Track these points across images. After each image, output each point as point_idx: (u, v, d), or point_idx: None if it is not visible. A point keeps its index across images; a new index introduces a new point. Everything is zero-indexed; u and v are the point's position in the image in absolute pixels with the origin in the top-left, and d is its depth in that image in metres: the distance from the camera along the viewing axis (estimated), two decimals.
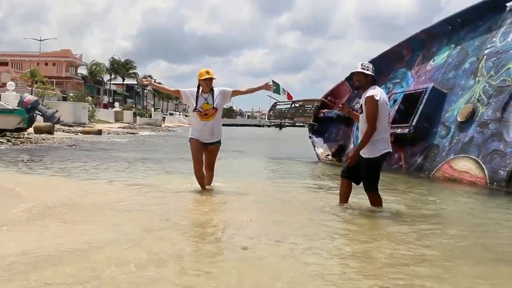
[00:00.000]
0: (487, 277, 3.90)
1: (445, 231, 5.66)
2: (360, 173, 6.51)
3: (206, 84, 7.48)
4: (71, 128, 39.36)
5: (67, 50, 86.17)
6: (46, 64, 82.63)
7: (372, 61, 16.00)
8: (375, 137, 6.22)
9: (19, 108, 22.38)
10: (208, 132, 7.57)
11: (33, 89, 56.25)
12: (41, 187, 8.03)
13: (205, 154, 7.70)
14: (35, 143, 20.85)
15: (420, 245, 4.84)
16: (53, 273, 3.57)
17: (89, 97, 66.17)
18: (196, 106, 7.51)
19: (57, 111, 22.37)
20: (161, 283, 3.47)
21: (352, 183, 6.72)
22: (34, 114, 23.12)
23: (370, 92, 6.22)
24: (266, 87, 7.98)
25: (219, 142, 7.80)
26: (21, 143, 20.30)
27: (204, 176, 7.76)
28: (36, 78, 58.99)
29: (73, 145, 20.60)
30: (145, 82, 8.91)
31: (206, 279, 3.60)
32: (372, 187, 6.51)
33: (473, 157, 10.28)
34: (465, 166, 10.41)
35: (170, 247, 4.38)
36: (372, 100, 6.17)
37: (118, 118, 68.91)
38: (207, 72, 7.50)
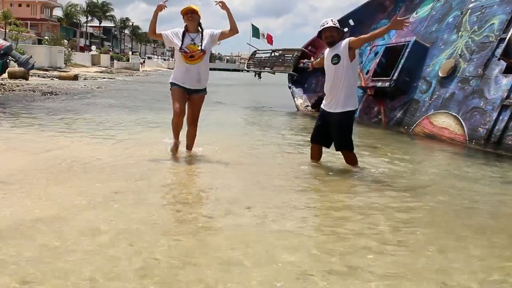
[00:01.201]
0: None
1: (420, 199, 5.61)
2: (331, 133, 6.55)
3: (188, 19, 6.65)
4: (46, 73, 38.60)
5: None
6: (20, 5, 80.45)
7: (354, 12, 15.91)
8: (352, 91, 6.41)
9: None
10: (193, 76, 6.73)
11: (6, 31, 54.73)
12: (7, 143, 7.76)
13: (188, 104, 6.88)
14: (9, 90, 20.34)
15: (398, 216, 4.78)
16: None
17: (65, 40, 64.57)
18: (181, 45, 6.66)
19: (31, 57, 21.48)
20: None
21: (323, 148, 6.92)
22: (8, 60, 22.31)
23: (346, 39, 6.41)
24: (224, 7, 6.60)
25: (204, 91, 6.97)
26: None
27: (181, 126, 6.85)
28: (10, 20, 57.25)
29: (49, 93, 20.10)
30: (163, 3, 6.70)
31: (171, 251, 3.51)
32: (347, 145, 6.52)
33: (453, 113, 10.21)
34: (444, 122, 10.36)
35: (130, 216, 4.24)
36: (347, 41, 6.36)
37: (95, 62, 67.67)
38: (188, 7, 6.67)
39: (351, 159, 6.64)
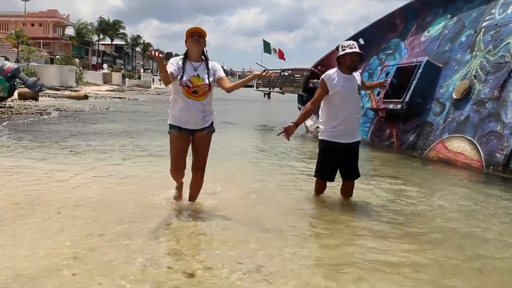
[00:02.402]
0: None
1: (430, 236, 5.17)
2: (344, 165, 6.28)
3: (193, 42, 5.39)
4: (57, 92, 38.61)
5: (54, 10, 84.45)
6: (33, 25, 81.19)
7: (363, 31, 15.52)
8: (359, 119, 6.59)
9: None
10: (196, 115, 5.46)
11: (18, 51, 55.10)
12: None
13: (192, 147, 5.62)
14: (16, 113, 20.16)
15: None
16: None
17: (77, 59, 64.83)
18: (182, 77, 5.37)
19: (38, 79, 21.53)
20: None
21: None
22: (15, 83, 22.24)
23: (357, 73, 6.33)
24: (255, 76, 5.56)
25: (211, 127, 5.64)
26: (1, 113, 19.63)
27: (183, 175, 5.74)
28: (22, 40, 57.69)
29: (56, 114, 19.89)
30: (154, 53, 5.07)
31: None
32: (359, 172, 6.40)
33: (468, 137, 9.77)
34: (460, 146, 9.91)
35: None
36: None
37: (106, 80, 67.89)
38: (195, 29, 5.47)
39: (352, 188, 6.47)
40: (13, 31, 63.53)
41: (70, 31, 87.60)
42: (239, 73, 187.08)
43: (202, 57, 5.55)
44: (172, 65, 5.41)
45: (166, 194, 6.17)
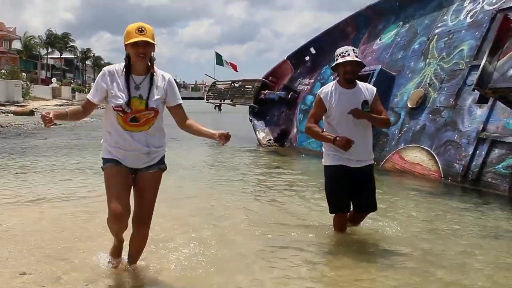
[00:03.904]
0: None
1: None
2: (359, 193, 5.17)
3: (137, 54, 3.72)
4: (2, 108, 37.11)
5: (0, 23, 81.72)
6: None
7: (315, 39, 15.14)
8: (371, 138, 5.30)
9: None
10: (138, 151, 3.86)
11: None
12: None
13: (134, 190, 3.99)
14: None
15: None
16: None
17: (24, 74, 62.80)
18: (122, 99, 3.78)
19: None
20: None
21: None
22: None
23: (371, 86, 5.34)
24: (215, 137, 3.94)
25: (161, 164, 4.00)
26: None
27: (127, 225, 3.92)
28: None
29: None
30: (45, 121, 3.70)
31: None
32: (376, 202, 5.32)
33: (425, 147, 9.44)
34: (416, 157, 9.56)
35: None
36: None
37: (56, 94, 66.08)
38: (140, 30, 3.70)
39: (362, 219, 5.54)
40: None
41: (17, 44, 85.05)
42: (191, 85, 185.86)
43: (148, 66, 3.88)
44: (98, 87, 3.84)
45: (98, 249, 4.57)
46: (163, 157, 4.00)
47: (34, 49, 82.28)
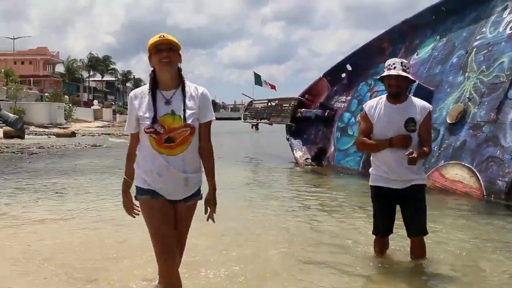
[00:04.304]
0: None
1: None
2: (404, 215, 4.80)
3: (161, 60, 3.39)
4: (45, 130, 38.05)
5: (44, 47, 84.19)
6: (23, 63, 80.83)
7: (351, 56, 14.99)
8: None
9: None
10: (175, 178, 3.47)
11: (7, 89, 54.72)
12: None
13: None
14: None
15: None
16: None
17: (66, 96, 64.39)
18: (149, 118, 3.41)
19: (19, 117, 21.04)
20: None
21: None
22: None
23: (425, 103, 4.75)
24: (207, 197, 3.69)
25: (198, 194, 3.64)
26: None
27: (180, 261, 3.67)
28: (11, 78, 57.33)
29: (32, 153, 19.21)
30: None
31: None
32: (425, 225, 4.77)
33: (466, 164, 9.12)
34: (457, 174, 9.26)
35: None
36: (431, 115, 4.76)
37: (97, 116, 67.54)
38: (162, 37, 3.43)
39: (420, 247, 4.84)
40: (2, 70, 63.15)
41: (60, 68, 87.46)
42: (230, 106, 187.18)
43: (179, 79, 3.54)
44: (130, 115, 3.54)
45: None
46: (200, 187, 3.63)
47: (76, 72, 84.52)
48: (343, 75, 15.13)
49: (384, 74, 4.67)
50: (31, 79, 76.37)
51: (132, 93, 3.57)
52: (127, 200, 3.65)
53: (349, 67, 14.89)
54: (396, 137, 4.52)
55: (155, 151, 3.42)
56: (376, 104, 4.77)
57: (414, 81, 4.71)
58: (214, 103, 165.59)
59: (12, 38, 72.04)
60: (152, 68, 3.48)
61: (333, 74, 15.56)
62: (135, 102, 3.49)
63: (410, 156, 4.33)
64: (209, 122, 3.57)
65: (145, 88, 3.54)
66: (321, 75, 16.01)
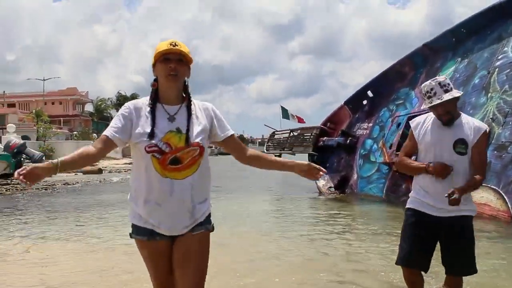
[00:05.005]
0: None
1: None
2: (445, 249, 3.98)
3: (167, 72, 2.88)
4: None
5: (73, 88, 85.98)
6: (53, 103, 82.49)
7: (372, 82, 14.81)
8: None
9: (5, 153, 21.23)
10: (179, 209, 2.88)
11: (37, 129, 55.89)
12: None
13: (174, 259, 2.95)
14: (22, 189, 19.62)
15: None
16: None
17: (94, 134, 65.29)
18: (150, 135, 2.85)
19: (44, 154, 21.38)
20: None
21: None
22: (22, 158, 21.93)
23: (480, 123, 4.03)
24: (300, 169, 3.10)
25: (208, 223, 3.00)
26: (6, 190, 19.12)
27: None
28: (41, 118, 58.56)
29: (61, 189, 19.31)
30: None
31: None
32: (474, 263, 4.00)
33: (492, 186, 8.82)
34: (483, 197, 8.93)
35: None
36: (487, 136, 4.02)
37: (125, 153, 67.80)
38: (173, 45, 2.90)
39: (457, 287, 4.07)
40: (33, 110, 64.56)
41: (89, 107, 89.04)
42: (258, 140, 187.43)
43: (183, 94, 3.03)
44: (122, 121, 2.91)
45: None
46: (209, 215, 3.02)
47: (105, 111, 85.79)
48: (365, 102, 14.96)
49: (427, 106, 3.94)
50: (61, 118, 77.85)
51: (132, 104, 2.98)
52: (33, 168, 2.63)
53: (370, 94, 14.73)
54: (433, 165, 3.84)
55: (157, 174, 2.82)
56: (424, 120, 4.06)
57: (458, 97, 3.81)
58: (242, 138, 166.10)
59: (42, 80, 73.42)
60: (155, 77, 2.97)
61: (354, 102, 15.40)
62: (133, 112, 2.91)
63: (450, 198, 3.64)
64: (233, 135, 3.09)
65: (144, 101, 2.97)
66: (343, 103, 15.85)
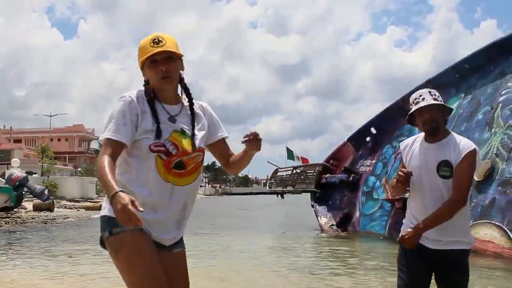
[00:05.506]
0: None
1: None
2: (441, 277, 3.47)
3: (158, 76, 2.59)
4: (75, 203, 38.29)
5: (80, 125, 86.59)
6: (59, 140, 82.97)
7: (374, 119, 14.73)
8: (468, 213, 3.57)
9: (6, 185, 21.14)
10: (173, 215, 2.62)
11: (42, 165, 56.06)
12: None
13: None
14: (21, 222, 19.48)
15: None
16: None
17: None
18: (157, 133, 2.54)
19: (46, 188, 21.24)
20: None
21: None
22: (23, 192, 21.81)
23: (467, 142, 3.37)
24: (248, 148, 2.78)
25: (182, 242, 2.77)
26: (5, 223, 18.96)
27: None
28: (46, 153, 58.79)
29: (61, 223, 19.14)
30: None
31: None
32: None
33: (496, 223, 8.66)
34: (487, 234, 8.78)
35: None
36: (474, 156, 3.34)
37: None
38: (156, 42, 2.60)
39: None
40: (39, 147, 64.89)
41: (95, 145, 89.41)
42: (263, 180, 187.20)
43: (180, 92, 2.78)
44: (126, 118, 2.54)
45: None
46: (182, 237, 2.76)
47: None
48: (368, 138, 14.87)
49: (413, 109, 3.43)
50: (67, 155, 78.12)
51: (131, 94, 2.62)
52: (126, 202, 2.16)
53: (373, 130, 14.64)
54: (403, 235, 3.36)
55: (159, 177, 2.53)
56: (413, 142, 3.59)
57: (451, 110, 3.37)
58: (247, 179, 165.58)
59: (49, 116, 73.93)
60: (146, 80, 2.67)
61: (357, 138, 15.33)
62: (137, 106, 2.57)
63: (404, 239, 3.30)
64: (225, 140, 2.87)
65: (142, 94, 2.64)
66: (346, 140, 15.77)
